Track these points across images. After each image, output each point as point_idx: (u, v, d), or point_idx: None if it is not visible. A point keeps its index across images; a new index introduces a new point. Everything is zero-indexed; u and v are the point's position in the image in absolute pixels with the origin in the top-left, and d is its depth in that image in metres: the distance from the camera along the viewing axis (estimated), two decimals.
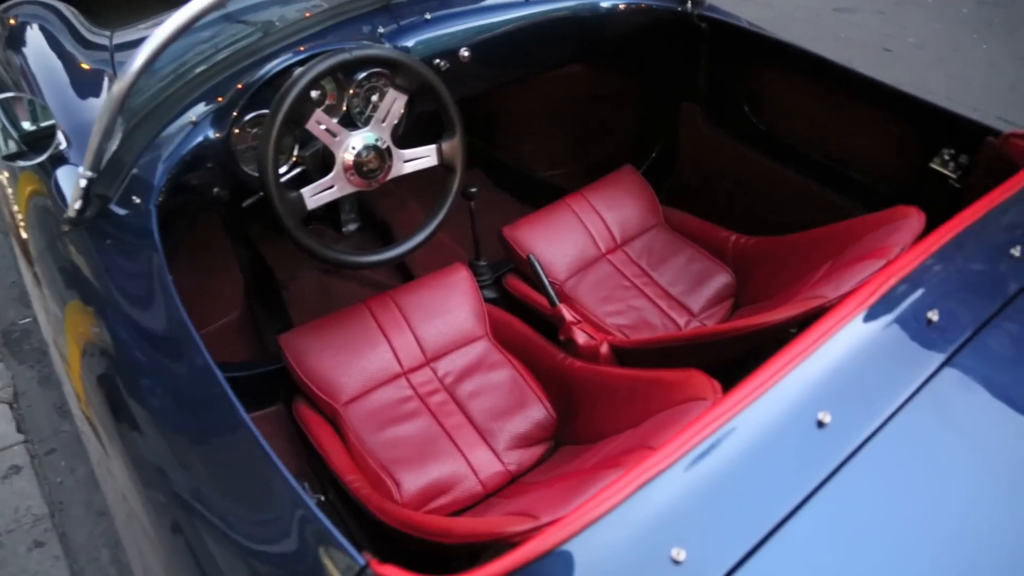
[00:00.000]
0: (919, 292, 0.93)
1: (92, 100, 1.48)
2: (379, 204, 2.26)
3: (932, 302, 0.92)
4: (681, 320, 1.67)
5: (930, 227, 1.03)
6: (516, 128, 2.39)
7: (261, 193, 1.38)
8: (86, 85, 1.52)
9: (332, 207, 1.66)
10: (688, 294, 1.70)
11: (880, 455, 0.78)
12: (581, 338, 1.52)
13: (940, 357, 0.87)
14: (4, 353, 2.29)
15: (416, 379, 1.49)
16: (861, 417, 0.81)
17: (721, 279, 1.70)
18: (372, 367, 1.47)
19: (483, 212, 1.79)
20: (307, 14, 1.50)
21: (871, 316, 0.90)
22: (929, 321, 0.91)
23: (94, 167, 1.18)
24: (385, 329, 1.52)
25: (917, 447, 0.81)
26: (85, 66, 1.58)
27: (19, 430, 2.07)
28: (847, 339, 0.87)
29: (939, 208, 1.15)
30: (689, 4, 1.82)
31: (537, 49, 1.73)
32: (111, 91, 1.12)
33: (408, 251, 1.43)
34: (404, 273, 2.05)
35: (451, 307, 1.55)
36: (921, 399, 0.82)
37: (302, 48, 1.40)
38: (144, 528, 0.94)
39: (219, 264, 1.92)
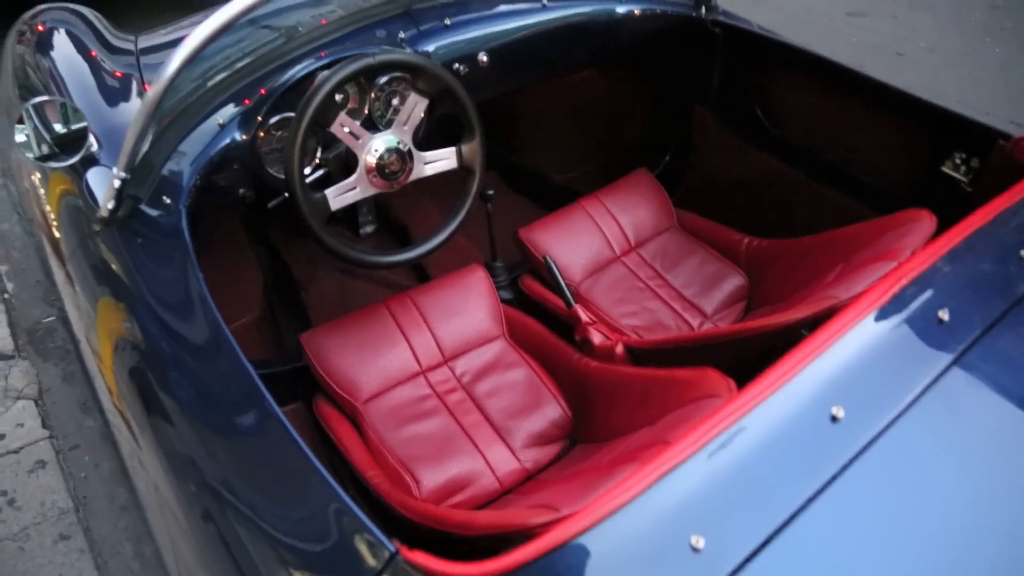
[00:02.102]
0: (930, 292, 0.94)
1: (121, 103, 1.51)
2: (396, 206, 2.27)
3: (943, 302, 0.93)
4: (695, 321, 1.68)
5: (941, 230, 1.04)
6: (532, 131, 2.39)
7: (286, 194, 1.39)
8: (114, 88, 1.55)
9: (350, 209, 1.64)
10: (701, 296, 1.70)
11: (892, 449, 0.79)
12: (597, 338, 1.53)
13: (950, 356, 0.88)
14: (29, 351, 2.33)
15: (434, 378, 1.49)
16: (874, 412, 0.82)
17: (734, 281, 1.70)
18: (391, 366, 1.48)
19: (499, 214, 1.80)
20: (323, 21, 1.53)
21: (883, 315, 0.91)
22: (940, 320, 0.91)
23: (128, 168, 1.20)
24: (404, 328, 1.53)
25: (928, 442, 0.82)
26: (112, 70, 1.60)
27: (44, 426, 2.11)
28: (859, 337, 0.88)
29: (950, 212, 1.15)
30: (703, 9, 1.83)
31: (554, 54, 1.74)
32: (147, 95, 1.14)
33: (428, 251, 1.44)
34: (421, 274, 2.07)
35: (468, 307, 1.56)
36: (932, 395, 0.84)
37: (323, 54, 1.42)
38: (176, 518, 0.96)
39: (239, 264, 1.93)
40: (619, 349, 1.48)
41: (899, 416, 0.82)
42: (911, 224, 1.21)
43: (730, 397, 0.91)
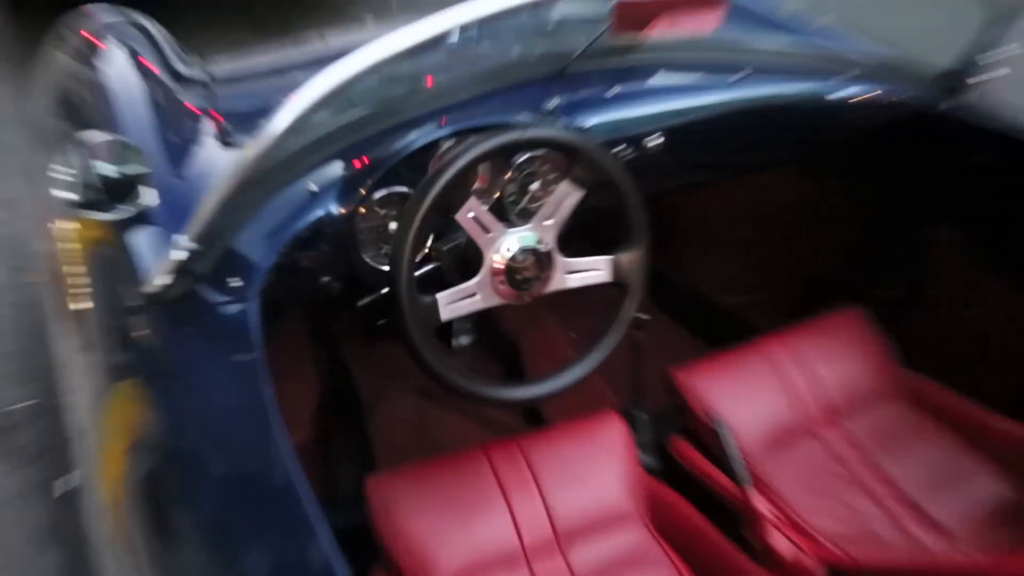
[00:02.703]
0: None
1: (191, 147, 1.42)
2: (504, 316, 2.15)
3: None
4: (929, 539, 1.38)
5: None
6: (697, 239, 2.28)
7: (384, 291, 1.33)
8: (183, 128, 1.47)
9: None
10: (940, 503, 1.42)
11: None
12: (781, 544, 1.32)
13: None
14: None
15: (541, 566, 1.33)
16: None
17: (994, 487, 1.43)
18: (484, 539, 1.34)
19: (647, 345, 1.65)
20: (428, 79, 1.48)
21: None
22: None
23: (201, 239, 1.13)
24: (506, 489, 1.39)
25: None
26: (181, 103, 1.54)
27: None
28: None
29: None
30: (950, 96, 1.66)
31: (744, 144, 1.66)
32: (244, 153, 1.07)
33: (560, 388, 1.33)
34: (532, 413, 1.94)
35: (596, 470, 1.43)
36: None
37: (444, 120, 1.37)
38: None
39: (291, 366, 1.83)
40: (818, 571, 1.28)
41: None
42: None
43: None
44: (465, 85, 1.41)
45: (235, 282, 1.17)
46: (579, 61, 1.46)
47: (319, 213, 1.28)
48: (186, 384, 1.13)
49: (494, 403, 1.34)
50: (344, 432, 1.91)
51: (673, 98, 1.54)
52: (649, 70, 1.57)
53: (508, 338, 2.12)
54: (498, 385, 1.30)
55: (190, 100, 1.57)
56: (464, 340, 2.03)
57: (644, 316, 1.51)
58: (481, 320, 2.01)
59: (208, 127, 1.47)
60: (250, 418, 1.06)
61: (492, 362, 2.12)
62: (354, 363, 2.05)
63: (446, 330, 1.74)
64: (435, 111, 1.38)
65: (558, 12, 1.63)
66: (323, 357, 2.02)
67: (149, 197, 1.23)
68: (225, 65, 1.67)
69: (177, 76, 1.65)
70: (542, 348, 2.04)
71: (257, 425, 1.04)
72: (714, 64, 1.59)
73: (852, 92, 1.64)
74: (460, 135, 1.35)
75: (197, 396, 1.11)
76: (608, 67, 1.52)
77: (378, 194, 1.35)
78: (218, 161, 1.34)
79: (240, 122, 1.41)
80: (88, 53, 1.74)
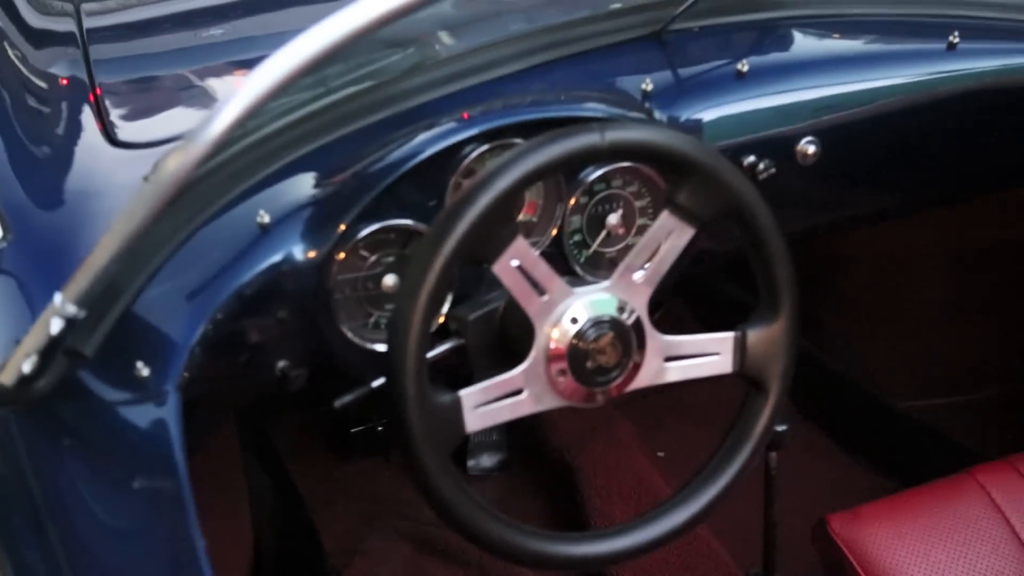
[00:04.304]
0: None
1: (58, 145, 1.19)
2: (554, 422, 1.82)
3: None
4: None
5: None
6: (868, 305, 1.90)
7: (377, 383, 1.09)
8: (41, 113, 1.24)
9: None
10: None
11: None
12: None
13: None
14: None
15: None
16: None
17: None
18: None
19: (782, 472, 1.35)
20: (441, 41, 1.25)
21: None
22: None
23: (84, 299, 0.91)
24: None
25: None
26: (42, 73, 1.28)
27: None
28: None
29: None
30: None
31: (959, 152, 1.35)
32: (162, 169, 0.84)
33: (650, 543, 1.07)
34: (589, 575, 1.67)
35: None
36: None
37: (466, 115, 1.13)
38: None
39: (219, 503, 1.56)
40: None
41: None
42: None
43: None
44: (502, 52, 1.16)
45: (141, 369, 0.96)
46: (688, 16, 1.21)
47: (274, 259, 1.04)
48: (65, 533, 0.94)
49: (545, 565, 1.06)
50: None
51: (839, 76, 1.26)
52: (799, 30, 1.30)
53: (557, 458, 1.79)
54: (556, 537, 1.04)
55: (51, 66, 1.33)
56: (488, 461, 1.82)
57: (781, 428, 1.19)
58: (515, 429, 1.80)
59: (85, 112, 1.20)
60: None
61: (530, 496, 1.79)
62: (314, 496, 1.76)
63: (459, 445, 1.53)
64: (454, 95, 1.12)
65: None
66: (264, 486, 1.77)
67: None
68: (104, 10, 1.44)
69: (27, 31, 1.40)
70: (613, 475, 1.71)
71: None
72: (907, 20, 1.30)
73: None
74: (496, 136, 1.11)
75: (83, 552, 0.94)
76: (733, 23, 1.27)
77: (366, 230, 1.09)
78: (105, 169, 1.10)
79: (135, 101, 1.22)
80: None
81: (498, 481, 1.83)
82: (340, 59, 1.21)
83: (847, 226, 1.44)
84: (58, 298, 0.89)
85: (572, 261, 1.22)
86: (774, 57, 1.27)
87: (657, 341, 1.05)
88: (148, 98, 1.24)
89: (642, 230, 1.18)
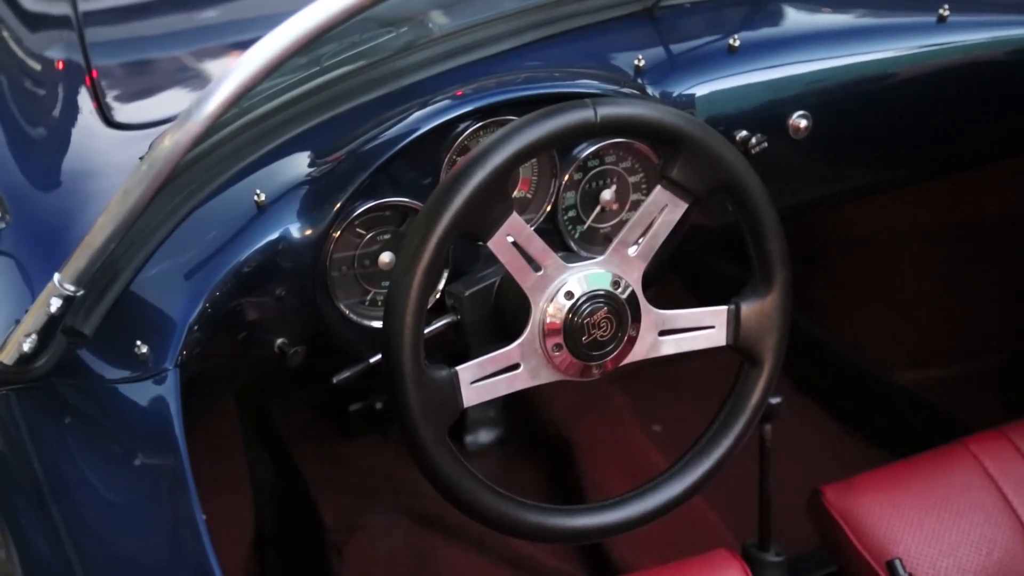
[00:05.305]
0: None
1: (55, 127, 1.21)
2: (550, 396, 1.85)
3: None
4: None
5: None
6: (860, 279, 1.92)
7: (374, 359, 1.11)
8: (40, 97, 1.25)
9: None
10: None
11: None
12: None
13: None
14: None
15: None
16: None
17: None
18: None
19: (777, 445, 1.36)
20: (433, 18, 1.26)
21: None
22: None
23: (83, 279, 0.94)
24: None
25: None
26: (39, 58, 1.30)
27: None
28: None
29: None
30: None
31: (945, 122, 1.37)
32: (160, 148, 0.87)
33: (647, 515, 1.10)
34: (595, 555, 1.66)
35: None
36: None
37: (460, 92, 1.15)
38: None
39: (220, 480, 1.54)
40: None
41: None
42: None
43: None
44: (495, 30, 1.18)
45: (140, 347, 0.98)
46: None
47: (270, 237, 1.06)
48: (67, 510, 0.96)
49: (543, 538, 1.08)
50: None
51: (831, 50, 1.28)
52: (790, 5, 1.33)
53: (554, 432, 1.82)
54: (554, 510, 1.06)
55: (47, 50, 1.35)
56: (485, 437, 1.83)
57: (775, 400, 1.21)
58: (512, 405, 1.82)
59: (81, 94, 1.22)
60: (171, 562, 0.95)
61: (527, 470, 1.83)
62: (314, 473, 1.78)
63: (457, 421, 1.54)
64: (448, 73, 1.14)
65: None
66: (265, 464, 1.79)
67: None
68: None
69: (23, 14, 1.42)
70: (609, 449, 1.75)
71: (184, 572, 0.93)
72: None
73: None
74: (490, 113, 1.12)
75: (85, 529, 0.95)
76: None
77: (362, 207, 1.10)
78: (101, 151, 1.12)
79: (130, 83, 1.24)
80: None
81: (496, 456, 1.86)
82: (334, 39, 1.21)
83: (839, 199, 1.46)
84: (57, 278, 0.92)
85: (567, 237, 1.23)
86: (765, 32, 1.29)
87: (652, 315, 1.07)
88: (143, 80, 1.25)
89: (636, 205, 1.19)
